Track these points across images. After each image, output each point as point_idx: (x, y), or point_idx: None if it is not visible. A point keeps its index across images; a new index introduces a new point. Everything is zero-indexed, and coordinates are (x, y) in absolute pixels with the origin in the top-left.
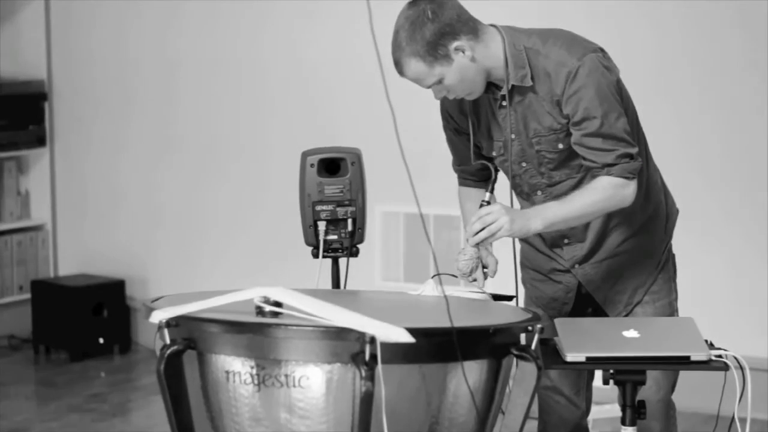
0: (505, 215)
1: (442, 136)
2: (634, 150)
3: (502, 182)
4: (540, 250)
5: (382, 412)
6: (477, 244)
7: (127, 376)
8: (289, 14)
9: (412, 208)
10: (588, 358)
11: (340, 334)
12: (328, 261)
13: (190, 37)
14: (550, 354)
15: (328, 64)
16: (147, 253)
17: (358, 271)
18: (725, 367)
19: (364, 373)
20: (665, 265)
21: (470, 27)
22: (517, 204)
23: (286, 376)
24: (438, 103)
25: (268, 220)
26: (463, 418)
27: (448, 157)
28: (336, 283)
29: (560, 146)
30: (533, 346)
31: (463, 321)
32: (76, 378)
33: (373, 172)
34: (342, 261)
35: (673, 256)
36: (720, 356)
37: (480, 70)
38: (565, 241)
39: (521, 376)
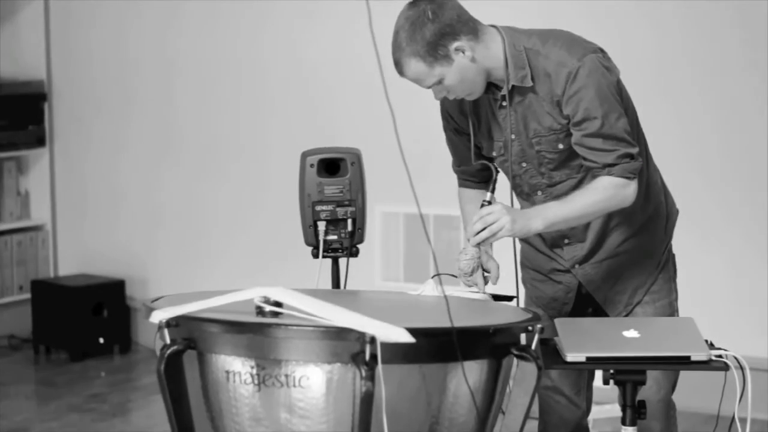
0: (506, 215)
1: (441, 137)
2: (634, 150)
3: (503, 182)
4: (540, 250)
5: (383, 412)
6: (478, 244)
7: (127, 376)
8: (289, 14)
9: (411, 209)
10: (588, 358)
11: (340, 334)
12: (328, 261)
13: (190, 37)
14: (550, 354)
15: (328, 64)
16: (147, 253)
17: (358, 271)
18: (725, 367)
19: (364, 373)
20: (665, 265)
21: (470, 27)
22: (517, 204)
23: (287, 376)
24: (438, 103)
25: (268, 220)
26: (463, 418)
27: (447, 157)
28: (336, 283)
29: (560, 146)
30: (533, 346)
31: (463, 321)
32: (76, 378)
33: (373, 173)
34: (342, 261)
35: (673, 256)
36: (720, 356)
37: (480, 70)
38: (566, 241)
39: (521, 376)
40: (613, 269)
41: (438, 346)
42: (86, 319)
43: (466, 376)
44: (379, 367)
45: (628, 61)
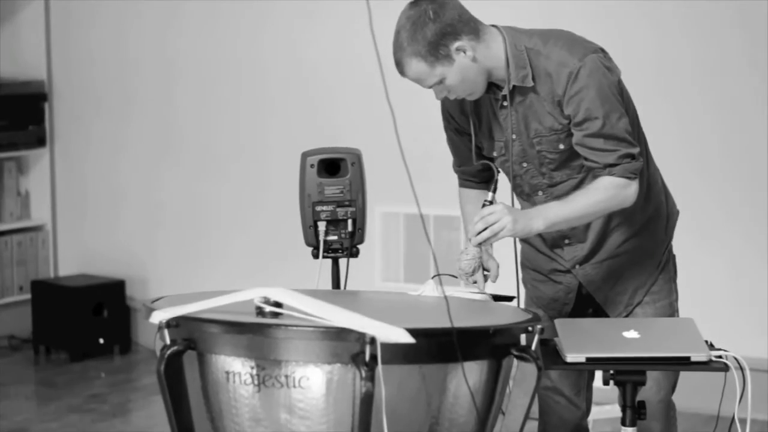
0: (507, 215)
1: (442, 137)
2: (635, 150)
3: (503, 183)
4: (540, 251)
5: (383, 413)
6: (480, 244)
7: (127, 377)
8: (289, 14)
9: (412, 209)
10: (588, 359)
11: (340, 334)
12: (328, 261)
13: (190, 37)
14: (550, 354)
15: (328, 64)
16: (147, 253)
17: (358, 272)
18: (725, 368)
19: (364, 374)
20: (666, 265)
21: (471, 27)
22: (517, 204)
23: (286, 376)
24: (438, 103)
25: (268, 220)
26: (463, 418)
27: (448, 157)
28: (336, 284)
29: (561, 147)
30: (533, 347)
31: (463, 321)
32: (76, 378)
33: (373, 173)
34: (342, 261)
35: (674, 256)
36: (720, 357)
37: (481, 70)
38: (566, 241)
39: (521, 377)
40: (614, 270)
41: (438, 346)
42: (86, 319)
43: (466, 377)
44: (379, 367)
45: (628, 61)
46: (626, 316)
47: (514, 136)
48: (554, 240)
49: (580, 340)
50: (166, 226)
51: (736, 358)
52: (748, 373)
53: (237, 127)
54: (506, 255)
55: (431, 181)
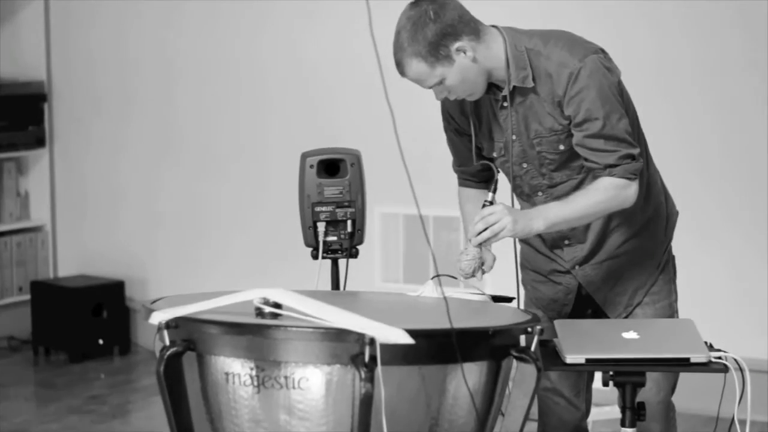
0: (507, 215)
1: (441, 137)
2: (635, 151)
3: (504, 183)
4: (540, 252)
5: (382, 414)
6: (480, 244)
7: (126, 378)
8: (289, 14)
9: (411, 210)
10: (587, 360)
11: (339, 335)
12: (328, 262)
13: (190, 37)
14: (549, 355)
15: (327, 65)
16: (146, 254)
17: (358, 273)
18: (725, 369)
19: (363, 375)
20: (665, 266)
21: (472, 28)
22: (517, 205)
23: (286, 377)
24: (438, 103)
25: (268, 221)
26: (462, 419)
27: (447, 158)
28: (335, 285)
29: (561, 147)
30: (533, 348)
31: (462, 322)
32: (75, 379)
33: (373, 174)
34: (341, 262)
35: (673, 257)
36: (720, 358)
37: (481, 70)
38: (566, 242)
39: (521, 378)
40: (613, 270)
41: (437, 347)
42: (86, 320)
43: (466, 378)
44: (379, 368)
45: (628, 61)
46: (626, 316)
47: (514, 137)
48: (554, 241)
49: (580, 341)
50: (166, 227)
51: (735, 359)
52: (747, 374)
53: (237, 128)
54: (506, 256)
55: (431, 182)
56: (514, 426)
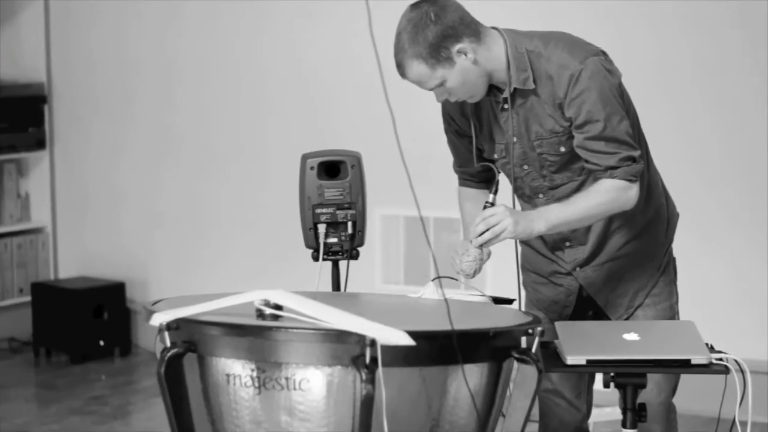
0: (508, 217)
1: (442, 139)
2: (636, 153)
3: (505, 184)
4: (541, 253)
5: (383, 415)
6: (481, 246)
7: (127, 379)
8: (289, 14)
9: (412, 211)
10: (588, 361)
11: (340, 337)
12: (328, 264)
13: (190, 37)
14: (550, 357)
15: (327, 65)
16: (147, 255)
17: (359, 274)
18: (726, 371)
19: (364, 376)
20: (666, 268)
21: (473, 29)
22: (518, 206)
23: (287, 379)
24: (438, 105)
25: (268, 222)
26: (463, 421)
27: (448, 159)
28: (336, 286)
29: (562, 149)
30: (534, 349)
31: (463, 324)
32: (76, 380)
33: (373, 175)
34: (342, 264)
35: (674, 259)
36: (720, 359)
37: (482, 72)
38: (567, 244)
39: (522, 379)
40: (614, 272)
41: (438, 349)
42: (86, 321)
43: (467, 379)
44: (380, 370)
45: (628, 61)
46: (627, 318)
47: (515, 139)
48: (555, 242)
49: (581, 343)
50: (166, 228)
51: (736, 361)
52: (748, 375)
53: (237, 128)
54: (507, 257)
55: (431, 184)
56: (515, 427)
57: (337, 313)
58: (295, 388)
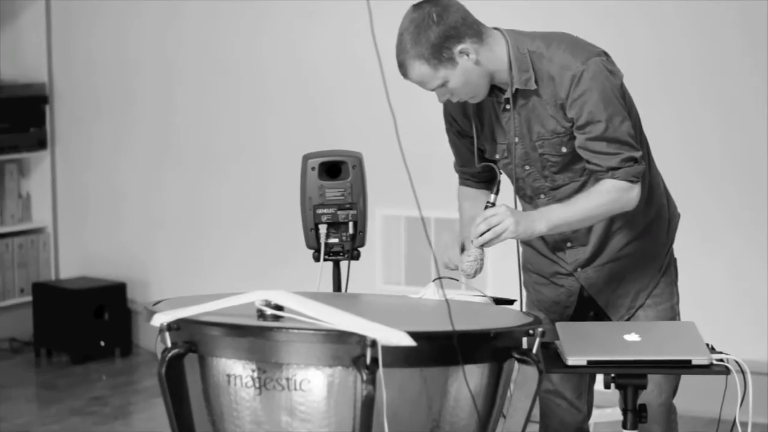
0: (510, 217)
1: (443, 139)
2: (638, 153)
3: (506, 184)
4: (542, 254)
5: (384, 416)
6: (481, 246)
7: (128, 379)
8: (289, 14)
9: (413, 211)
10: (589, 362)
11: (341, 337)
12: (329, 264)
13: (190, 37)
14: (551, 358)
15: (328, 65)
16: (148, 255)
17: (360, 275)
18: (726, 371)
19: (365, 377)
20: (667, 268)
21: (475, 30)
22: (520, 207)
23: (288, 379)
24: (439, 105)
25: (269, 222)
26: (464, 421)
27: (449, 159)
28: (337, 287)
29: (564, 150)
30: (534, 350)
31: (464, 324)
32: (77, 381)
33: (374, 176)
34: (343, 264)
35: (675, 260)
36: (721, 360)
37: (484, 73)
38: (568, 244)
39: (522, 380)
40: (616, 273)
41: (439, 349)
42: (87, 321)
43: (467, 380)
44: (380, 370)
45: (628, 61)
46: (628, 319)
47: (516, 139)
48: (556, 243)
49: (582, 343)
50: (167, 229)
51: (737, 362)
52: (749, 376)
53: (237, 128)
54: (508, 258)
55: (432, 184)
56: (515, 428)
57: (338, 314)
58: (295, 389)
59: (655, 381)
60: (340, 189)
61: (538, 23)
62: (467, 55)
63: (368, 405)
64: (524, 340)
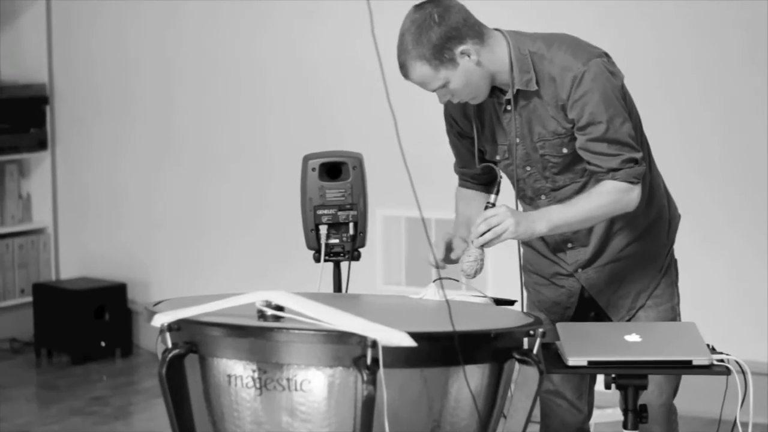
0: (510, 217)
1: (443, 140)
2: (638, 155)
3: (506, 185)
4: (543, 255)
5: (384, 416)
6: (482, 246)
7: (128, 380)
8: (289, 14)
9: (413, 212)
10: (590, 362)
11: (341, 337)
12: (330, 265)
13: (190, 37)
14: (551, 358)
15: (328, 65)
16: (148, 256)
17: (360, 275)
18: (727, 372)
19: (365, 377)
20: (668, 269)
21: (476, 31)
22: (521, 208)
23: (288, 379)
24: (440, 105)
25: (270, 223)
26: (464, 422)
27: (449, 160)
28: (338, 287)
29: (564, 151)
30: (535, 350)
31: (464, 325)
32: (77, 381)
33: (375, 176)
34: (344, 265)
35: (675, 260)
36: (722, 360)
37: (485, 74)
38: (569, 245)
39: (523, 380)
40: (616, 273)
41: (440, 350)
42: (88, 322)
43: (468, 380)
44: (381, 371)
45: (628, 61)
46: (629, 319)
47: (517, 140)
48: (557, 244)
49: (582, 344)
50: (168, 229)
51: (737, 362)
52: (749, 376)
53: (237, 128)
54: (509, 259)
55: (433, 185)
56: (516, 428)
57: (339, 314)
58: (296, 389)
59: (655, 381)
60: (341, 190)
61: (538, 24)
62: (468, 56)
63: (369, 405)
64: (525, 340)
